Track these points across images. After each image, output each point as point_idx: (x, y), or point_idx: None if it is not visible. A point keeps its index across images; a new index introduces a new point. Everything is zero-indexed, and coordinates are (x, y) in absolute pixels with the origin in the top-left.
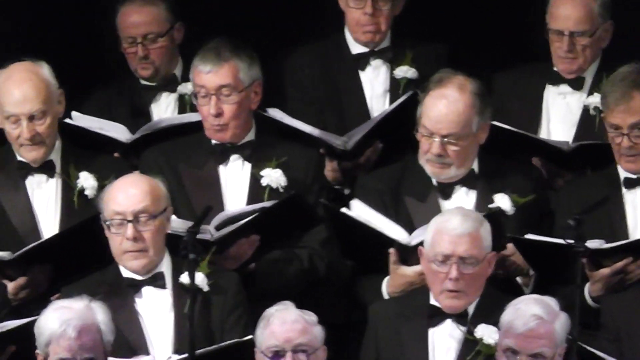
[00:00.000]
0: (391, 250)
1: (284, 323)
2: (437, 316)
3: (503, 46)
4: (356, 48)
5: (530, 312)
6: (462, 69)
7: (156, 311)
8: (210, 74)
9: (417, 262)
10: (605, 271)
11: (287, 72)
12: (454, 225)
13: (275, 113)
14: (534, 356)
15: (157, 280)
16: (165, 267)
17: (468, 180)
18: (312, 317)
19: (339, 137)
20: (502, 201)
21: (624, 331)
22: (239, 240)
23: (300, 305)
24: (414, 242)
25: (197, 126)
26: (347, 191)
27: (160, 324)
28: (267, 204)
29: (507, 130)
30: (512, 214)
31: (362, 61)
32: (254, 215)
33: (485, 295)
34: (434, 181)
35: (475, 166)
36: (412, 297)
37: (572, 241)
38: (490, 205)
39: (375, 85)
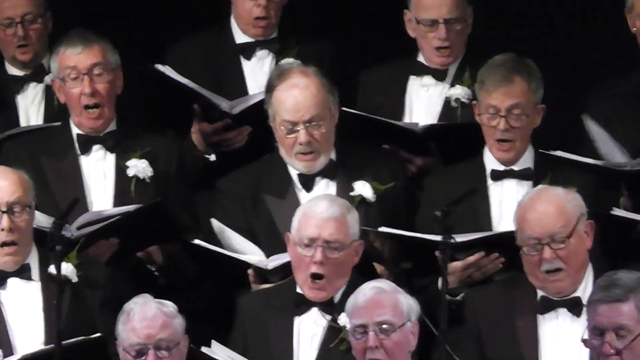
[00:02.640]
0: (250, 272)
1: (144, 319)
2: (303, 305)
3: (388, 44)
4: (241, 37)
5: (369, 286)
6: (346, 67)
7: (23, 303)
8: (81, 54)
9: (277, 280)
10: (457, 264)
11: (171, 64)
12: (320, 209)
13: (164, 69)
14: (380, 326)
15: (23, 272)
16: (33, 258)
17: (328, 171)
18: (171, 308)
19: (225, 99)
20: (363, 189)
21: (484, 328)
22: (98, 241)
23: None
24: (271, 266)
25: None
26: (212, 157)
27: (27, 316)
28: (130, 208)
29: (358, 116)
30: (374, 203)
31: (247, 51)
32: (114, 219)
33: (352, 283)
34: (294, 175)
35: (333, 156)
36: (280, 287)
37: (446, 236)
38: (352, 194)
39: (259, 76)
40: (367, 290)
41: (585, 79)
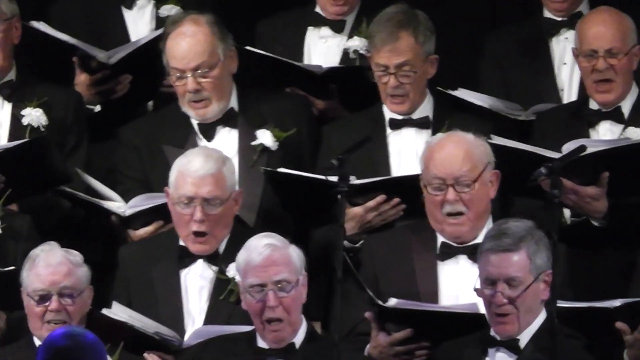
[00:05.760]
0: (113, 218)
1: (48, 266)
2: (187, 257)
3: None
4: None
5: (262, 243)
6: (227, 13)
7: None
8: None
9: (139, 227)
10: (357, 210)
11: (54, 18)
12: (196, 167)
13: (39, 25)
14: (277, 285)
15: None
16: None
17: (229, 119)
18: (77, 257)
19: (102, 50)
20: (264, 137)
21: (381, 271)
22: None
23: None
24: (127, 213)
25: None
26: (97, 108)
27: None
28: (12, 143)
29: (261, 56)
30: (277, 151)
31: (128, 0)
32: None
33: (235, 233)
34: (195, 124)
35: (234, 104)
36: (161, 239)
37: (342, 182)
38: (253, 143)
39: (140, 25)
40: (261, 248)
41: (482, 24)
